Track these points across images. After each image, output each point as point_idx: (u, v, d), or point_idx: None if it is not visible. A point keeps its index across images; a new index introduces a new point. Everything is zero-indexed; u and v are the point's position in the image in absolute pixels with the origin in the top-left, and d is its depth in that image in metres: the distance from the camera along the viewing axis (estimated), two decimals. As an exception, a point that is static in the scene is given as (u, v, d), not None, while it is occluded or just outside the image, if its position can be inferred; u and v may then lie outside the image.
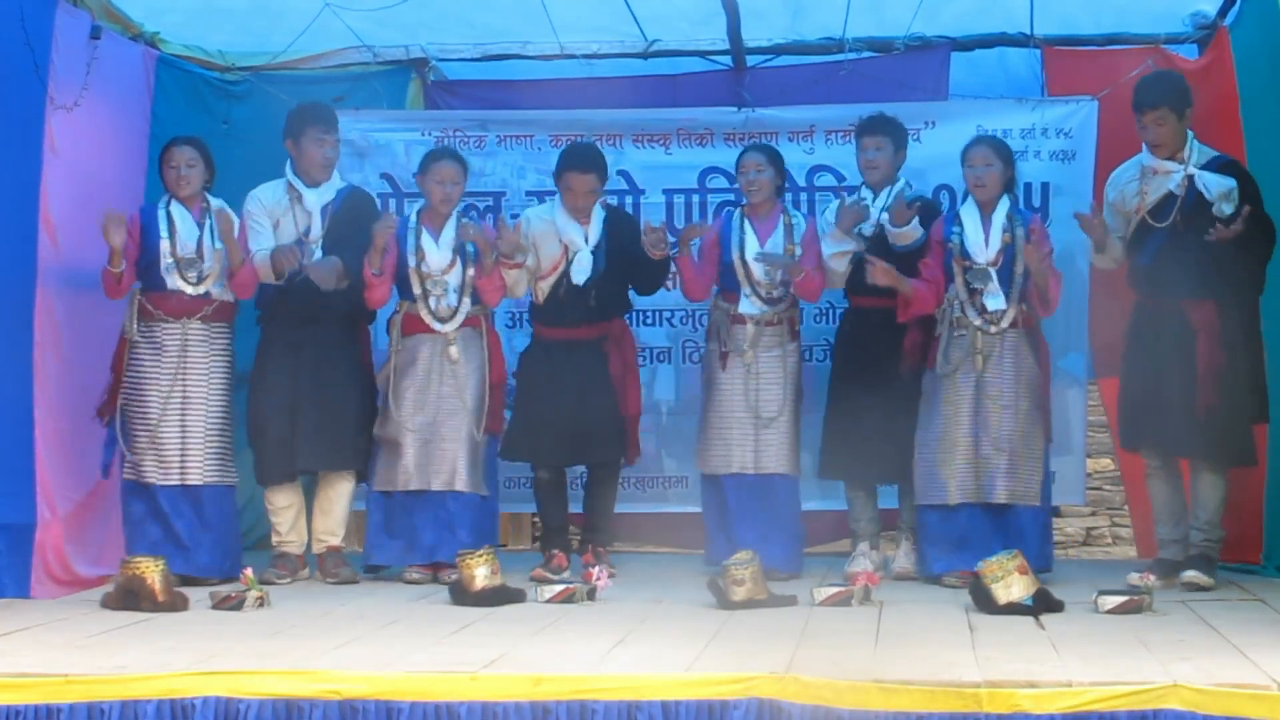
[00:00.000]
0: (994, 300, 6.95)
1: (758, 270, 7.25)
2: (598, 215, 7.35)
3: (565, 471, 7.49)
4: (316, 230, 7.22)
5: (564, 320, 7.31)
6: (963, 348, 6.98)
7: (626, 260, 7.30)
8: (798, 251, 7.24)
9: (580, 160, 7.34)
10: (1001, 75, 8.42)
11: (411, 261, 7.21)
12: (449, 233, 7.24)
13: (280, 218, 7.23)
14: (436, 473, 7.11)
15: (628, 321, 7.60)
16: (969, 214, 7.07)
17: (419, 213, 7.33)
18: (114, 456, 7.04)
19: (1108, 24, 8.07)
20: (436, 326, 7.18)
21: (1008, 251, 6.95)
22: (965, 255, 6.99)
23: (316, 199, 7.24)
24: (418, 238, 7.23)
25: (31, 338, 6.68)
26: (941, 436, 6.98)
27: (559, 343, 7.33)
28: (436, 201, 7.25)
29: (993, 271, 6.95)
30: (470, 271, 7.21)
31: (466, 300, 7.21)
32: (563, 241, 7.29)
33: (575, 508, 7.59)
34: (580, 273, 7.25)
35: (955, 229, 7.06)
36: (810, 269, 7.22)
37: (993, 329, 6.96)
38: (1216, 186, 6.63)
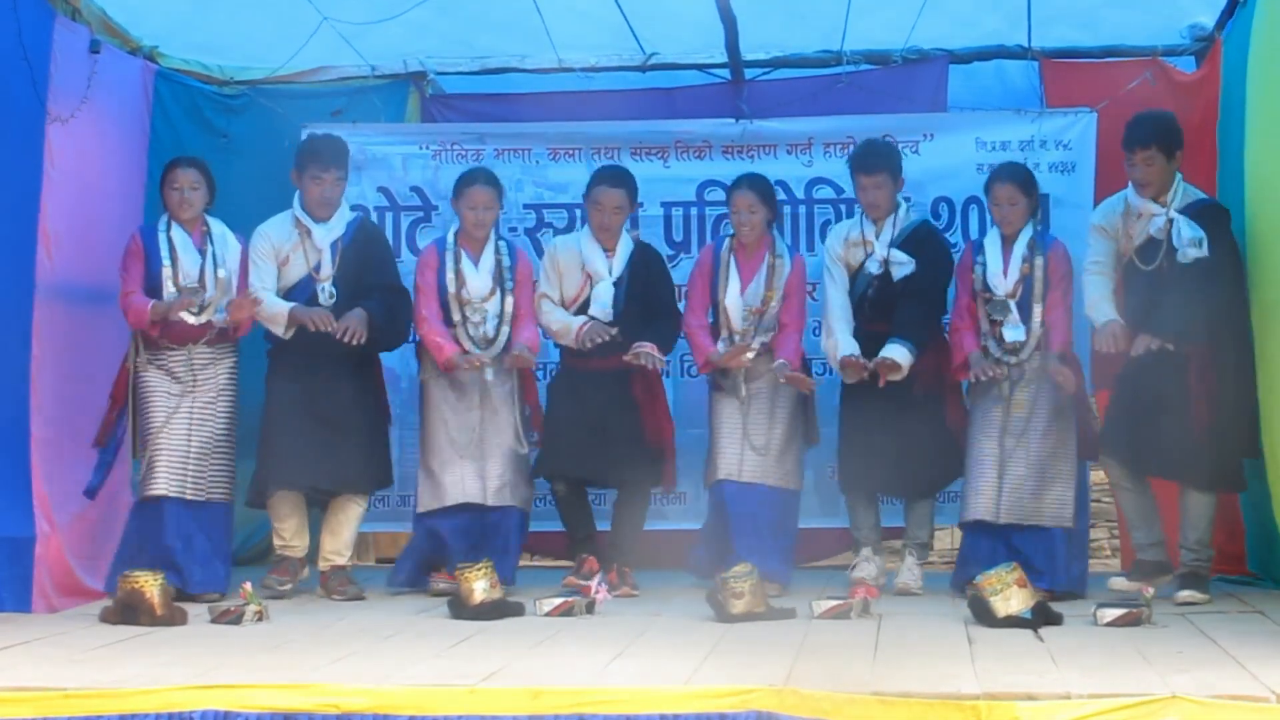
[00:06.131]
0: (1013, 331, 6.96)
1: (735, 319, 7.21)
2: (625, 247, 7.30)
3: (583, 486, 7.45)
4: (327, 267, 7.11)
5: (589, 351, 7.20)
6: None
7: (649, 299, 7.26)
8: (777, 298, 7.19)
9: (610, 176, 7.33)
10: (999, 87, 8.44)
11: (451, 287, 7.13)
12: (488, 258, 7.19)
13: (290, 253, 7.13)
14: (486, 490, 7.12)
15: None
16: (992, 244, 7.11)
17: (455, 234, 7.26)
18: (102, 480, 6.95)
19: (1105, 36, 8.09)
20: (475, 352, 7.11)
21: (1027, 281, 6.96)
22: (986, 287, 7.01)
23: (326, 234, 7.13)
24: (456, 261, 7.16)
25: (29, 351, 6.67)
26: (973, 460, 7.01)
27: (584, 372, 7.26)
28: (470, 226, 7.19)
29: (1012, 304, 6.96)
30: (509, 300, 7.17)
31: (505, 328, 7.18)
32: (585, 270, 7.27)
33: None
34: (599, 304, 7.19)
35: (979, 259, 7.09)
36: (792, 325, 7.20)
37: (1013, 359, 6.97)
38: (1188, 233, 6.59)
